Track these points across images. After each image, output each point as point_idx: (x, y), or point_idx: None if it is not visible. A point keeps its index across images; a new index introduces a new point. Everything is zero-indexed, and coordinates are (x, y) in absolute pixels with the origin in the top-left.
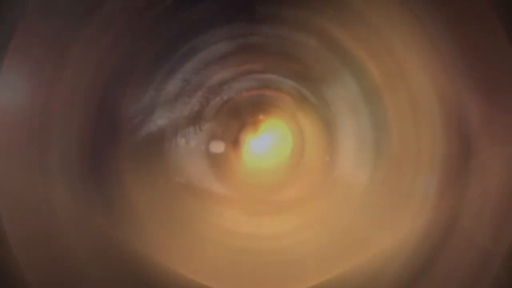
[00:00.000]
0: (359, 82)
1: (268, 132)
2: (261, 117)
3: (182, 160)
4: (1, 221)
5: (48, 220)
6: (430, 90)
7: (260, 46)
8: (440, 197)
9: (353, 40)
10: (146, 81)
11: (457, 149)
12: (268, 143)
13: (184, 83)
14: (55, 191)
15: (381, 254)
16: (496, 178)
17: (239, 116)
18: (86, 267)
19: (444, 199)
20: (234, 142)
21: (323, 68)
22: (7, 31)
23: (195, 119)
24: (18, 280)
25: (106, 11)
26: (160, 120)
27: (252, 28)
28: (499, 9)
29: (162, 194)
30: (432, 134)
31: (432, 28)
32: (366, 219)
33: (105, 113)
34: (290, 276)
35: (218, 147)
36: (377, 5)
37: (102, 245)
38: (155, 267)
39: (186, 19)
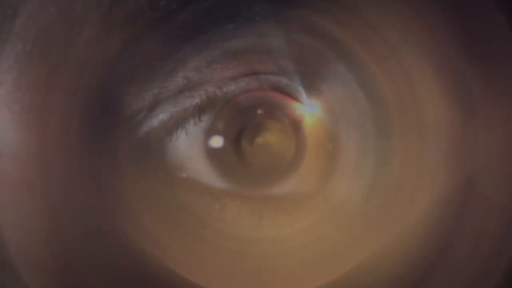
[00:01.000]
0: (361, 84)
1: (268, 129)
2: (261, 114)
3: (182, 154)
4: None
5: (46, 218)
6: (427, 64)
7: (261, 47)
8: (450, 164)
9: (359, 43)
10: (150, 80)
11: (459, 111)
12: (268, 139)
13: (186, 81)
14: (54, 189)
15: (404, 231)
16: (503, 132)
17: (239, 112)
18: (84, 263)
19: (456, 165)
20: (234, 137)
21: (325, 68)
22: (6, 29)
23: (195, 111)
24: (15, 279)
25: (114, 15)
26: (161, 115)
27: (253, 28)
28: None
29: (162, 190)
30: (432, 102)
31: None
32: (375, 207)
33: (107, 112)
34: (296, 277)
35: (218, 141)
36: (380, 6)
37: (101, 241)
38: (153, 264)
39: (188, 20)
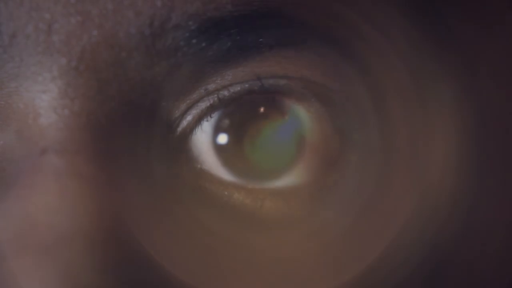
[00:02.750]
0: (362, 78)
1: (269, 127)
2: (264, 113)
3: (198, 149)
4: None
5: (94, 202)
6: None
7: (268, 59)
8: (457, 104)
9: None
10: (185, 94)
11: (455, 68)
12: (269, 137)
13: (205, 91)
14: (103, 179)
15: (410, 228)
16: (505, 71)
17: (243, 111)
18: (83, 260)
19: (462, 103)
20: (239, 135)
21: (325, 68)
22: (41, 42)
23: (208, 111)
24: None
25: (157, 47)
26: (188, 117)
27: (260, 50)
28: None
29: (187, 180)
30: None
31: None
32: (379, 202)
33: (154, 120)
34: (303, 280)
35: (224, 138)
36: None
37: (102, 234)
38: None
39: (213, 54)
